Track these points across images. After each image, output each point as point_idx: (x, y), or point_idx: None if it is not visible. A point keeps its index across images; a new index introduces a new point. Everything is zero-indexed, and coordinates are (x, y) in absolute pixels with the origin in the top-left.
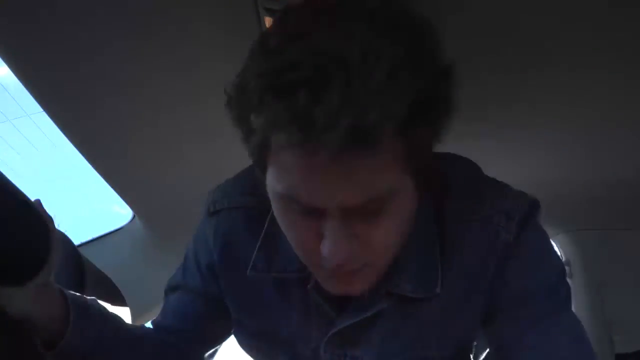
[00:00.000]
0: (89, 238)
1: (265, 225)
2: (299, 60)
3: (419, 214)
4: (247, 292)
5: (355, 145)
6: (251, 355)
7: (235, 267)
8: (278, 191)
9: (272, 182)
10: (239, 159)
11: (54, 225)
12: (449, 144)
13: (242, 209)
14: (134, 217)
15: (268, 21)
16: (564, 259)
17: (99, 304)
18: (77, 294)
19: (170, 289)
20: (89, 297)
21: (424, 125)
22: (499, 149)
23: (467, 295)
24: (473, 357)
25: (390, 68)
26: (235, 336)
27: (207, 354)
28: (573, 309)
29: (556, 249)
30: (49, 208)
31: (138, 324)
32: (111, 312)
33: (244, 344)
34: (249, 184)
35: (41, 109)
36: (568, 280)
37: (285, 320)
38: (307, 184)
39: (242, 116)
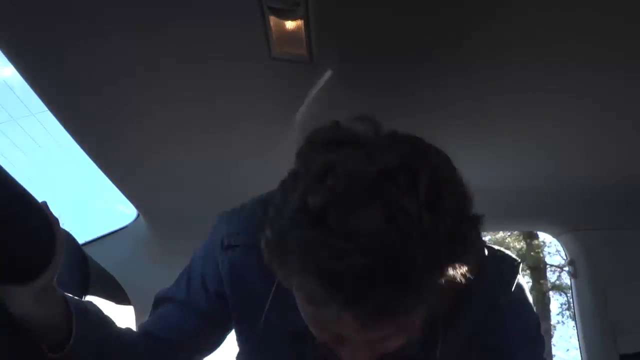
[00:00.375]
0: (94, 237)
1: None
2: (348, 252)
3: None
4: (257, 332)
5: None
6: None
7: (247, 305)
8: (308, 312)
9: (302, 303)
10: (244, 159)
11: (59, 227)
12: (453, 142)
13: (257, 249)
14: (138, 216)
15: (273, 20)
16: (568, 259)
17: (96, 307)
18: (76, 298)
19: (165, 299)
20: (86, 301)
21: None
22: (503, 148)
23: (463, 351)
24: None
25: (430, 268)
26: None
27: None
28: (577, 309)
29: (560, 248)
30: (54, 207)
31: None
32: (107, 316)
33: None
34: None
35: (46, 108)
36: (572, 280)
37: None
38: (338, 327)
39: (280, 260)
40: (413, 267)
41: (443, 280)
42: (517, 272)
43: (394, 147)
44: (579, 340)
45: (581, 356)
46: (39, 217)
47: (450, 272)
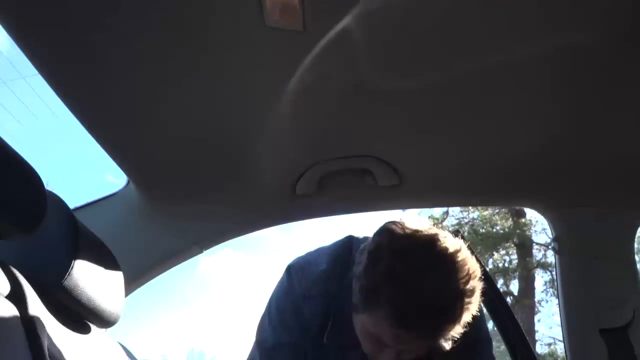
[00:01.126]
0: (83, 203)
1: (334, 312)
2: (413, 308)
3: None
4: (321, 349)
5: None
6: None
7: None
8: (369, 329)
9: (367, 322)
10: (236, 126)
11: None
12: (443, 118)
13: (325, 296)
14: (128, 182)
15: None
16: (553, 235)
17: None
18: None
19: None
20: None
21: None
22: (491, 124)
23: None
24: None
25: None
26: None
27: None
28: (560, 285)
29: (546, 227)
30: (42, 174)
31: (132, 289)
32: None
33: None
34: (329, 272)
35: (36, 71)
36: (557, 256)
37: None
38: (390, 340)
39: (368, 291)
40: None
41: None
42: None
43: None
44: (560, 315)
45: (562, 331)
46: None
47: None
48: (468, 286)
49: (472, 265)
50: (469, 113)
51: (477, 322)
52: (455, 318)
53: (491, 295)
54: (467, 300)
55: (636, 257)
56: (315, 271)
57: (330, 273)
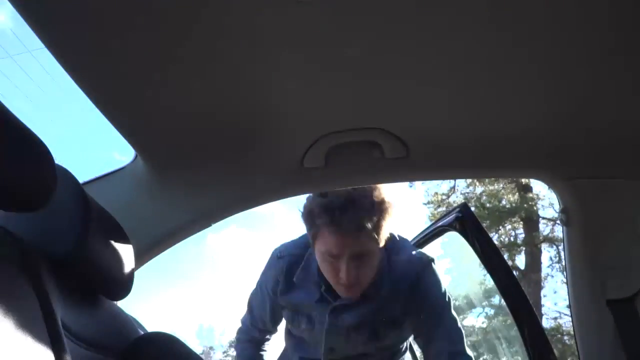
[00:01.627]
0: (92, 178)
1: (302, 264)
2: (337, 207)
3: (380, 261)
4: (293, 295)
5: (358, 233)
6: (291, 324)
7: (288, 287)
8: (322, 251)
9: (319, 246)
10: (244, 97)
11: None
12: (448, 88)
13: (294, 256)
14: (136, 156)
15: None
16: (561, 207)
17: None
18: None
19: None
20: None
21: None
22: (497, 94)
23: (396, 295)
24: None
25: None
26: (284, 317)
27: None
28: (567, 257)
29: (553, 202)
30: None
31: (141, 263)
32: None
33: (288, 319)
34: (297, 245)
35: (42, 45)
36: (564, 228)
37: (310, 305)
38: (336, 248)
39: (310, 222)
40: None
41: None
42: (430, 262)
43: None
44: (567, 287)
45: (569, 302)
46: (39, 149)
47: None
48: (383, 197)
49: (391, 199)
50: (477, 84)
51: (433, 285)
52: (371, 214)
53: (500, 270)
54: (378, 201)
55: None
56: (289, 244)
57: (298, 242)
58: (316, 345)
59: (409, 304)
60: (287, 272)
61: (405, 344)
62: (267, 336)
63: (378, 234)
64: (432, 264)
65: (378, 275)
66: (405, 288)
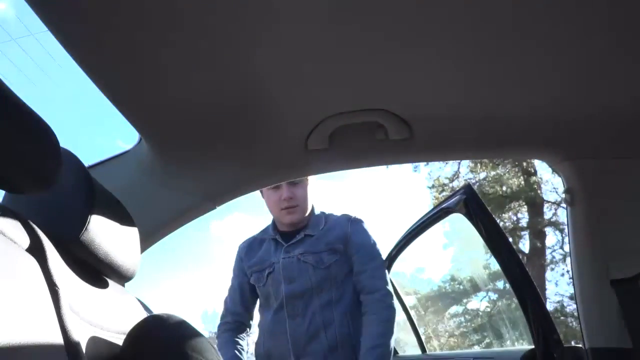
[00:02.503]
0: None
1: (259, 238)
2: None
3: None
4: (255, 256)
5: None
6: (255, 282)
7: (251, 255)
8: (268, 191)
9: (266, 190)
10: (248, 79)
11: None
12: (451, 69)
13: (251, 237)
14: (140, 140)
15: None
16: (565, 187)
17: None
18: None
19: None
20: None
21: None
22: (500, 74)
23: (332, 230)
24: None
25: None
26: (253, 281)
27: None
28: (571, 237)
29: (557, 186)
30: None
31: (147, 246)
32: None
33: (255, 281)
34: (260, 232)
35: (45, 28)
36: (568, 208)
37: (269, 255)
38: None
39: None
40: None
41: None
42: (360, 220)
43: None
44: (571, 267)
45: (573, 281)
46: (43, 131)
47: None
48: None
49: None
50: (480, 65)
51: (361, 231)
52: None
53: (504, 251)
54: None
55: None
56: None
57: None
58: (278, 295)
59: (344, 237)
60: (248, 246)
61: (350, 293)
62: (241, 322)
63: None
64: (362, 222)
65: (317, 218)
66: (340, 226)
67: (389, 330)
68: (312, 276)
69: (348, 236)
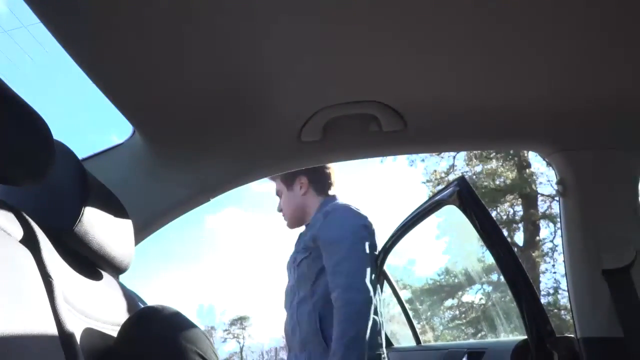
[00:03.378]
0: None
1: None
2: None
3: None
4: None
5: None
6: None
7: None
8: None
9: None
10: (242, 71)
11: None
12: (446, 61)
13: None
14: (134, 132)
15: None
16: (558, 178)
17: None
18: None
19: None
20: None
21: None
22: (494, 66)
23: (309, 229)
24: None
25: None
26: None
27: None
28: (564, 227)
29: (551, 179)
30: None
31: (141, 238)
32: None
33: None
34: None
35: (38, 20)
36: (561, 199)
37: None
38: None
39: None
40: None
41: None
42: (341, 206)
43: None
44: (564, 257)
45: (565, 273)
46: (36, 122)
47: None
48: None
49: None
50: (473, 57)
51: (333, 221)
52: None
53: (497, 243)
54: None
55: None
56: None
57: None
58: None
59: (315, 234)
60: None
61: (322, 292)
62: None
63: (283, 178)
64: (343, 207)
65: (316, 216)
66: (316, 223)
67: (346, 330)
68: (293, 274)
69: (318, 234)
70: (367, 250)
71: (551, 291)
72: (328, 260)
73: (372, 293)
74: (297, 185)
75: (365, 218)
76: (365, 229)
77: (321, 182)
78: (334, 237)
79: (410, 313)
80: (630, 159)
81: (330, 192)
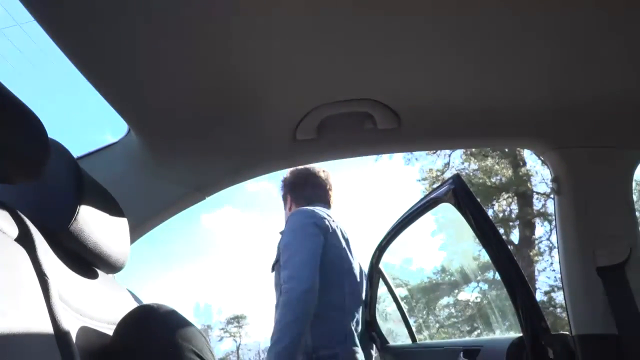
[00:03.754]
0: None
1: None
2: None
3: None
4: None
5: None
6: None
7: None
8: None
9: None
10: (238, 70)
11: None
12: (439, 59)
13: None
14: (129, 130)
15: None
16: (552, 176)
17: None
18: None
19: None
20: None
21: None
22: (488, 64)
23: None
24: None
25: None
26: None
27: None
28: (559, 225)
29: (546, 177)
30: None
31: (136, 236)
32: None
33: None
34: None
35: (32, 18)
36: (556, 197)
37: None
38: None
39: None
40: None
41: None
42: (298, 212)
43: None
44: (559, 255)
45: (560, 270)
46: (31, 120)
47: None
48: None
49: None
50: (467, 55)
51: (287, 224)
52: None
53: (492, 240)
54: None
55: (634, 196)
56: None
57: None
58: None
59: (279, 241)
60: None
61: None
62: None
63: (282, 198)
64: (298, 211)
65: None
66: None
67: (283, 315)
68: (275, 280)
69: (280, 241)
70: (317, 247)
71: (547, 289)
72: (282, 260)
73: (314, 284)
74: (287, 204)
75: (319, 217)
76: (314, 226)
77: (304, 197)
78: (285, 240)
79: (406, 311)
80: (624, 156)
81: (316, 204)
